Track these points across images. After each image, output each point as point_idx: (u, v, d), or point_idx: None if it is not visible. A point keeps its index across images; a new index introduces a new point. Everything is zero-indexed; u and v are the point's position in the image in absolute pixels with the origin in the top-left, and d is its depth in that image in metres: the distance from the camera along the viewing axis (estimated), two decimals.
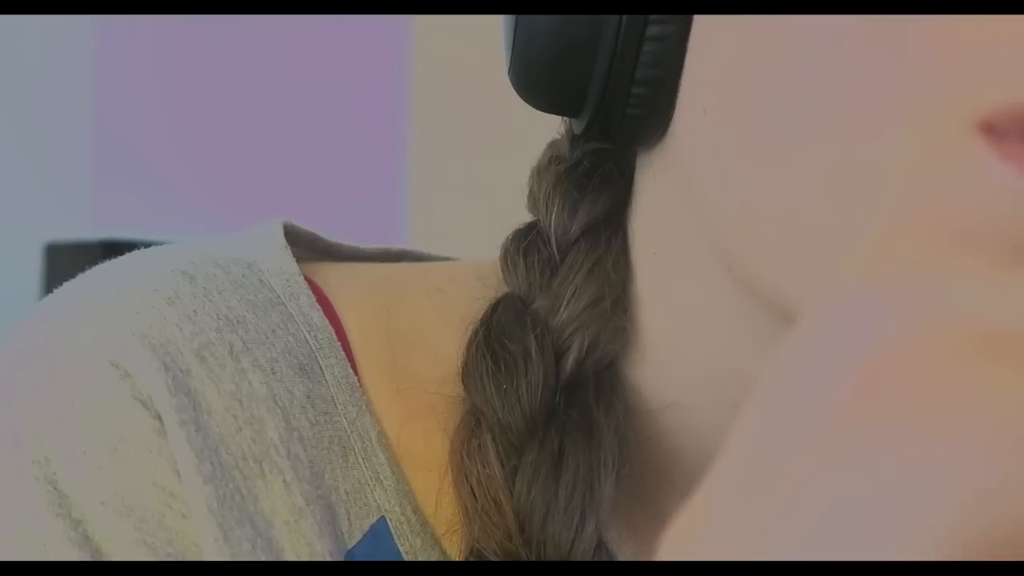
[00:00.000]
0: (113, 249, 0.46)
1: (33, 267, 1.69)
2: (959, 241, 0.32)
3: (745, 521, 0.22)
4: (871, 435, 0.21)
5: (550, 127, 0.45)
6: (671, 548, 0.23)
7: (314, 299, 0.42)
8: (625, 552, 0.44)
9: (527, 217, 0.44)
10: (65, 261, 1.64)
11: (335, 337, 0.42)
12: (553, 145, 0.44)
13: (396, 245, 0.50)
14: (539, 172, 0.44)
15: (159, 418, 0.37)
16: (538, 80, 0.40)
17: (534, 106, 0.41)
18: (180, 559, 0.37)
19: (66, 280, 0.42)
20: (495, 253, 0.44)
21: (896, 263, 0.23)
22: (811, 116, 0.34)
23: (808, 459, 0.22)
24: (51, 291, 0.42)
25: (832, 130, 0.34)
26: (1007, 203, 0.32)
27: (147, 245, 0.44)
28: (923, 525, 0.21)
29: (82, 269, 0.42)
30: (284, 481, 0.38)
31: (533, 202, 0.43)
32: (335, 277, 0.44)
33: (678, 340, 0.42)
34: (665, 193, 0.41)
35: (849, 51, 0.33)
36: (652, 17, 0.38)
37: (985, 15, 0.31)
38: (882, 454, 0.21)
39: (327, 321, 0.42)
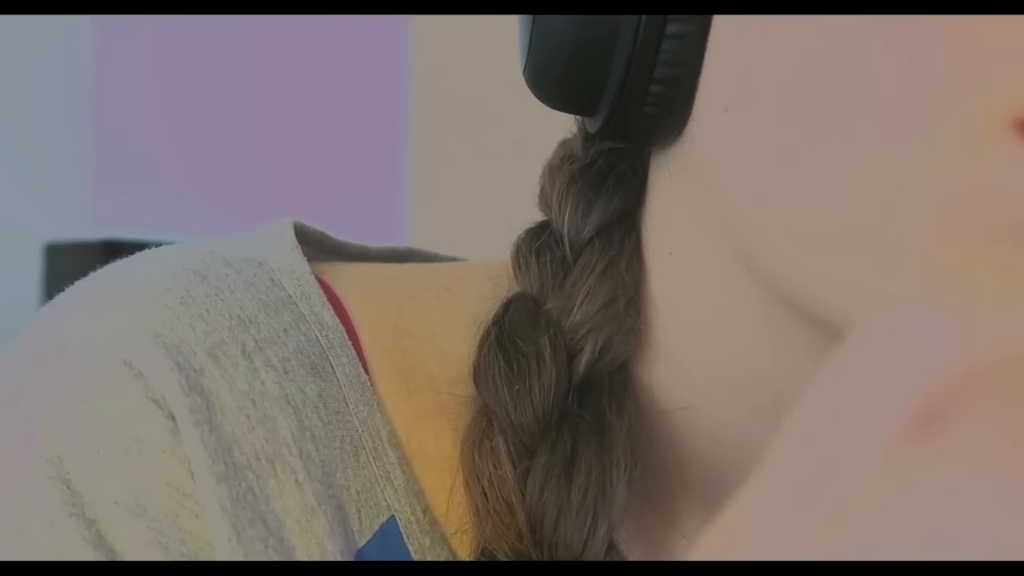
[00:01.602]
0: (113, 249, 0.46)
1: (33, 267, 1.69)
2: (992, 240, 0.32)
3: (792, 541, 0.21)
4: (935, 468, 0.20)
5: (551, 127, 0.45)
6: (709, 549, 0.22)
7: (325, 298, 0.42)
8: (635, 553, 0.44)
9: (528, 217, 0.44)
10: (65, 261, 1.64)
11: (346, 336, 0.42)
12: (565, 144, 0.44)
13: (403, 245, 0.50)
14: (551, 171, 0.43)
15: (172, 417, 0.37)
16: (554, 80, 0.40)
17: (550, 106, 0.41)
18: (193, 558, 0.37)
19: (66, 280, 0.42)
20: (496, 253, 0.44)
21: (945, 274, 0.22)
22: (836, 114, 0.34)
23: (871, 483, 0.20)
24: (51, 291, 0.42)
25: (858, 128, 0.34)
26: None
27: (147, 245, 0.44)
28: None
29: (82, 269, 0.42)
30: (296, 481, 0.38)
31: (545, 202, 0.43)
32: (345, 277, 0.44)
33: (693, 340, 0.42)
34: (681, 193, 0.40)
35: (875, 48, 0.33)
36: (671, 15, 0.37)
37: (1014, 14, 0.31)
38: (958, 488, 0.20)
39: (338, 320, 0.42)
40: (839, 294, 0.35)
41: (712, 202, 0.39)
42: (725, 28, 0.37)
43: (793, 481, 0.21)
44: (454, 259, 0.50)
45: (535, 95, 0.41)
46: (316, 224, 0.47)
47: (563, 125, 0.45)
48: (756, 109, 0.36)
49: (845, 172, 0.34)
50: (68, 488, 0.37)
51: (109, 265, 0.42)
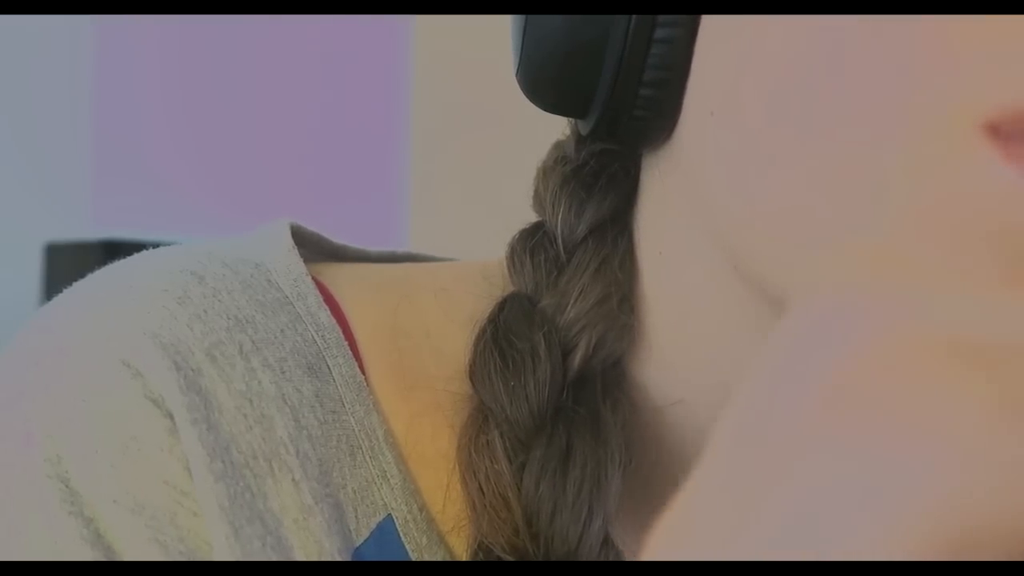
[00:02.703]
0: (113, 249, 0.46)
1: (33, 267, 1.69)
2: (964, 243, 0.32)
3: (724, 520, 0.22)
4: (843, 436, 0.21)
5: (550, 127, 0.45)
6: (655, 547, 0.23)
7: (321, 299, 0.42)
8: (631, 549, 0.44)
9: (528, 217, 0.44)
10: (65, 261, 1.65)
11: (342, 337, 0.42)
12: (559, 146, 0.44)
13: (401, 248, 0.51)
14: (545, 173, 0.44)
15: (170, 417, 0.37)
16: (546, 81, 0.40)
17: (541, 107, 0.42)
18: (191, 557, 0.37)
19: (66, 280, 0.42)
20: (496, 253, 0.45)
21: (880, 275, 0.23)
22: (818, 117, 0.34)
23: (782, 460, 0.22)
24: (51, 291, 0.42)
25: (839, 131, 0.34)
26: (1011, 205, 0.32)
27: (147, 245, 0.44)
28: (898, 524, 0.21)
29: (82, 269, 0.42)
30: (293, 479, 0.39)
31: (539, 202, 0.44)
32: (342, 278, 0.45)
33: (684, 339, 0.42)
34: (671, 194, 0.41)
35: (855, 51, 0.34)
36: (660, 20, 0.38)
37: (991, 15, 0.32)
38: (855, 454, 0.21)
39: (334, 321, 0.42)
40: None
41: (699, 203, 0.39)
42: (712, 32, 0.38)
43: (730, 458, 0.22)
44: (452, 261, 0.50)
45: (528, 97, 0.41)
46: (315, 225, 0.47)
47: (563, 126, 0.45)
48: (741, 111, 0.37)
49: (826, 174, 0.35)
50: (67, 487, 0.37)
51: (107, 266, 0.42)
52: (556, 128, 0.45)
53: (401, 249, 0.50)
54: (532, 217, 0.44)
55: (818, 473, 0.21)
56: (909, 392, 0.22)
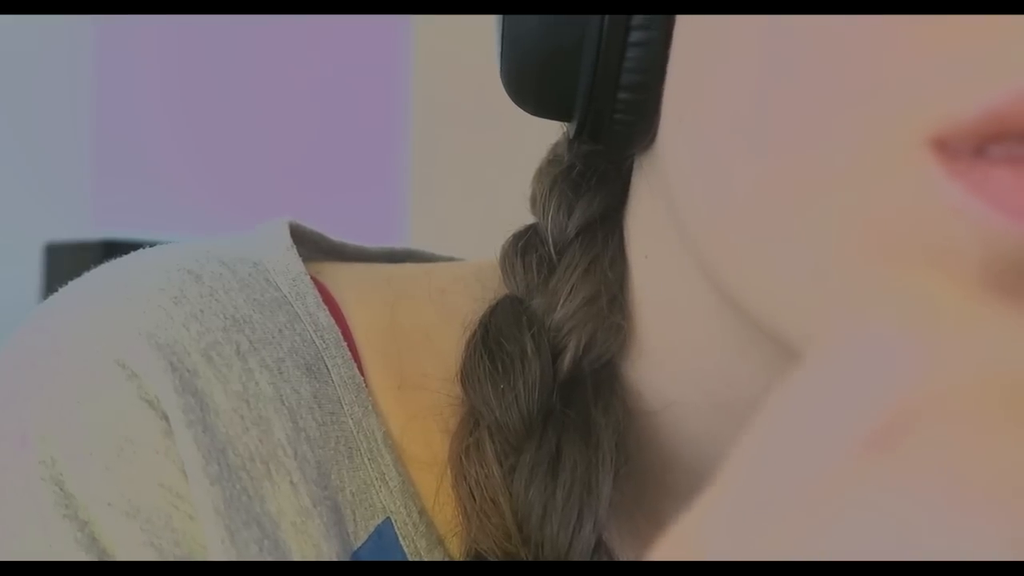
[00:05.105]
0: (113, 249, 0.45)
1: (33, 267, 1.69)
2: (911, 262, 0.31)
3: (747, 544, 0.21)
4: (892, 484, 0.20)
5: (549, 128, 0.45)
6: (669, 547, 0.23)
7: (320, 299, 0.42)
8: (628, 555, 0.44)
9: (527, 217, 0.44)
10: (65, 261, 1.64)
11: (341, 337, 0.42)
12: (555, 147, 0.44)
13: (400, 245, 0.50)
14: (539, 174, 0.43)
15: (166, 418, 0.37)
16: (526, 85, 0.39)
17: (526, 111, 0.41)
18: (187, 560, 0.37)
19: (66, 280, 0.42)
20: (495, 253, 0.44)
21: (907, 296, 0.22)
22: (770, 125, 0.33)
23: (824, 498, 0.21)
24: (51, 291, 0.42)
25: (787, 140, 0.32)
26: (954, 224, 0.30)
27: (147, 245, 0.44)
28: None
29: (82, 269, 0.42)
30: (291, 482, 0.38)
31: (534, 204, 0.43)
32: (341, 277, 0.44)
33: (669, 342, 0.41)
34: (656, 198, 0.40)
35: (804, 57, 0.32)
36: (634, 22, 0.37)
37: (944, 17, 0.29)
38: (905, 506, 0.20)
39: (333, 321, 0.42)
40: (778, 308, 0.34)
41: (672, 208, 0.38)
42: (682, 35, 0.36)
43: (751, 488, 0.21)
44: (451, 259, 0.50)
45: (512, 100, 0.41)
46: (316, 224, 0.46)
47: (562, 125, 0.45)
48: (703, 119, 0.35)
49: (776, 186, 0.33)
50: (61, 490, 0.37)
51: (103, 264, 0.42)
52: (555, 128, 0.45)
53: (400, 246, 0.50)
54: (531, 216, 0.44)
55: (863, 519, 0.20)
56: (957, 446, 0.20)
